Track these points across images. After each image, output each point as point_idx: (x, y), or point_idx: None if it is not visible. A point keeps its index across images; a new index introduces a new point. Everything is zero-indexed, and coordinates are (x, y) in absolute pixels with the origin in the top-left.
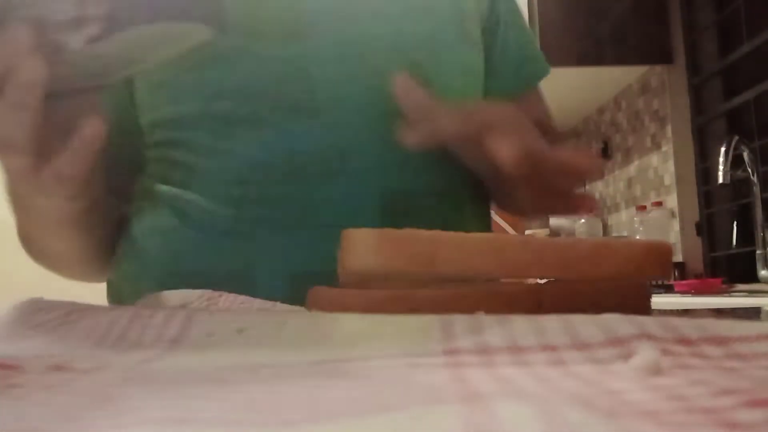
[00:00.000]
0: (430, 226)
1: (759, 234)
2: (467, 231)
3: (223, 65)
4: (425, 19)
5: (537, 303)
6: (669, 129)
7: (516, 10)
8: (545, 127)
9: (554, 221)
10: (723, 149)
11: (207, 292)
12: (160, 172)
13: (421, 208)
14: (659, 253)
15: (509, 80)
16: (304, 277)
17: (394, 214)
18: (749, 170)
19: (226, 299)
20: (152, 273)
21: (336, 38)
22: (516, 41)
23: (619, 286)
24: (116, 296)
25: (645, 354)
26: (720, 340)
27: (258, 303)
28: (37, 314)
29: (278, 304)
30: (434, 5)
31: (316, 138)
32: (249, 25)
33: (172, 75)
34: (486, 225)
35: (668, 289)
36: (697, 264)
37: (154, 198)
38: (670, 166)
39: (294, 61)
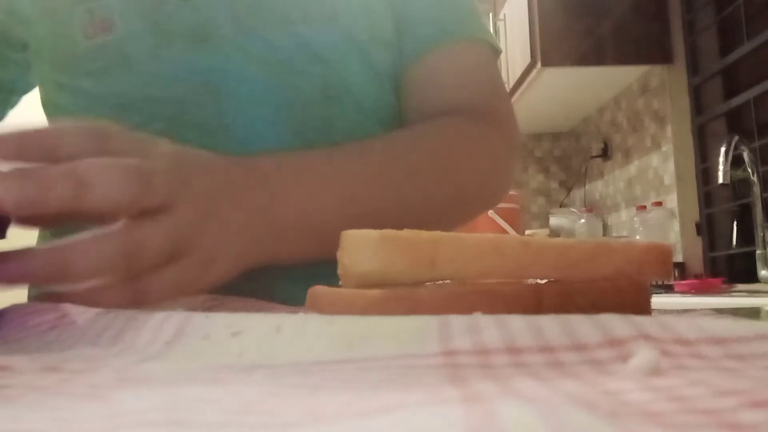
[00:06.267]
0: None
1: (759, 234)
2: None
3: (129, 71)
4: (333, 24)
5: (536, 303)
6: (669, 129)
7: None
8: (469, 84)
9: (554, 221)
10: (723, 149)
11: (209, 297)
12: None
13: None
14: (659, 254)
15: (421, 36)
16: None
17: None
18: (749, 170)
19: (229, 304)
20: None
21: (241, 44)
22: None
23: (619, 287)
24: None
25: (644, 355)
26: (718, 341)
27: (259, 306)
28: (32, 316)
29: (276, 306)
30: (337, 6)
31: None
32: (154, 28)
33: (76, 76)
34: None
35: (668, 289)
36: (697, 264)
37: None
38: (670, 166)
39: (200, 71)
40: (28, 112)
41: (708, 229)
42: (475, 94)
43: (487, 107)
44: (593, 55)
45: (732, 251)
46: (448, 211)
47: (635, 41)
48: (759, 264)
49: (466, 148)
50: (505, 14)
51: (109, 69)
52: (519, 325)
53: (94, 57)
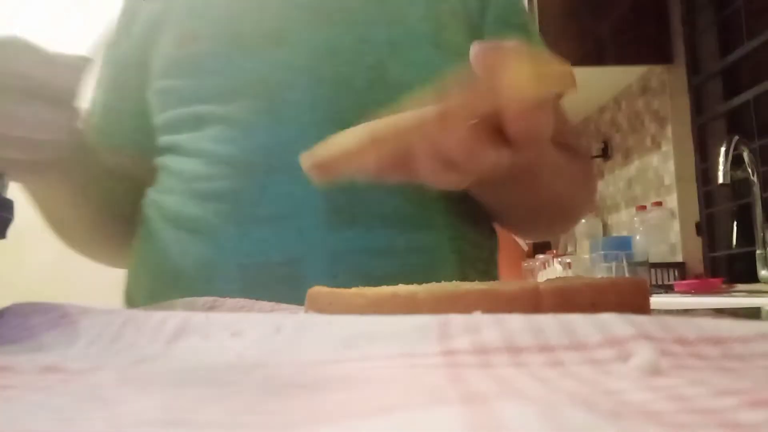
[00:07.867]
0: (380, 218)
1: (759, 234)
2: (431, 225)
3: (206, 72)
4: (393, 25)
5: (536, 303)
6: (669, 129)
7: (517, 10)
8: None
9: None
10: (723, 149)
11: (210, 299)
12: (157, 178)
13: (369, 201)
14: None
15: None
16: (256, 269)
17: (340, 207)
18: (749, 170)
19: (229, 304)
20: (146, 274)
21: (308, 44)
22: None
23: (618, 286)
24: (129, 298)
25: (643, 354)
26: (718, 341)
27: (258, 306)
28: (32, 316)
29: (277, 305)
30: (405, 12)
31: (266, 134)
32: (234, 33)
33: (165, 82)
34: (470, 217)
35: (668, 289)
36: (697, 264)
37: (146, 203)
38: (670, 166)
39: (270, 67)
40: None
41: (708, 229)
42: (566, 134)
43: (574, 145)
44: (593, 55)
45: (732, 251)
46: (568, 218)
47: (635, 41)
48: (759, 264)
49: (585, 174)
50: None
51: (189, 73)
52: (519, 324)
53: (178, 65)
